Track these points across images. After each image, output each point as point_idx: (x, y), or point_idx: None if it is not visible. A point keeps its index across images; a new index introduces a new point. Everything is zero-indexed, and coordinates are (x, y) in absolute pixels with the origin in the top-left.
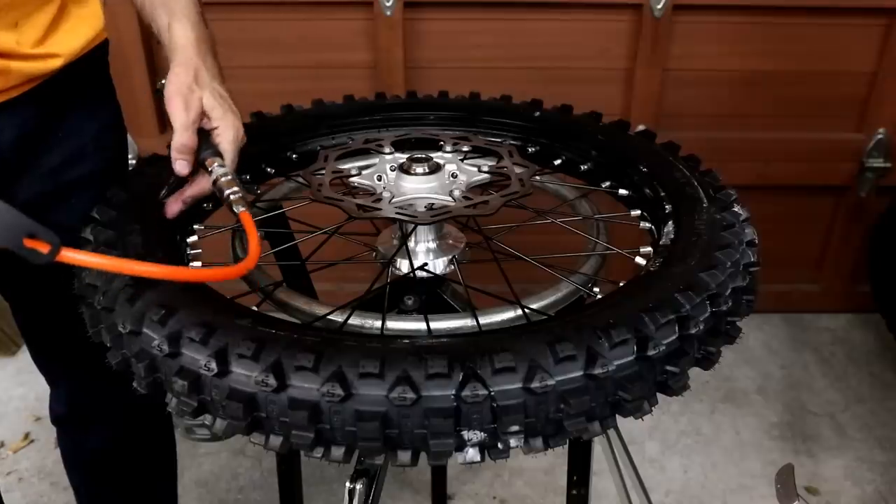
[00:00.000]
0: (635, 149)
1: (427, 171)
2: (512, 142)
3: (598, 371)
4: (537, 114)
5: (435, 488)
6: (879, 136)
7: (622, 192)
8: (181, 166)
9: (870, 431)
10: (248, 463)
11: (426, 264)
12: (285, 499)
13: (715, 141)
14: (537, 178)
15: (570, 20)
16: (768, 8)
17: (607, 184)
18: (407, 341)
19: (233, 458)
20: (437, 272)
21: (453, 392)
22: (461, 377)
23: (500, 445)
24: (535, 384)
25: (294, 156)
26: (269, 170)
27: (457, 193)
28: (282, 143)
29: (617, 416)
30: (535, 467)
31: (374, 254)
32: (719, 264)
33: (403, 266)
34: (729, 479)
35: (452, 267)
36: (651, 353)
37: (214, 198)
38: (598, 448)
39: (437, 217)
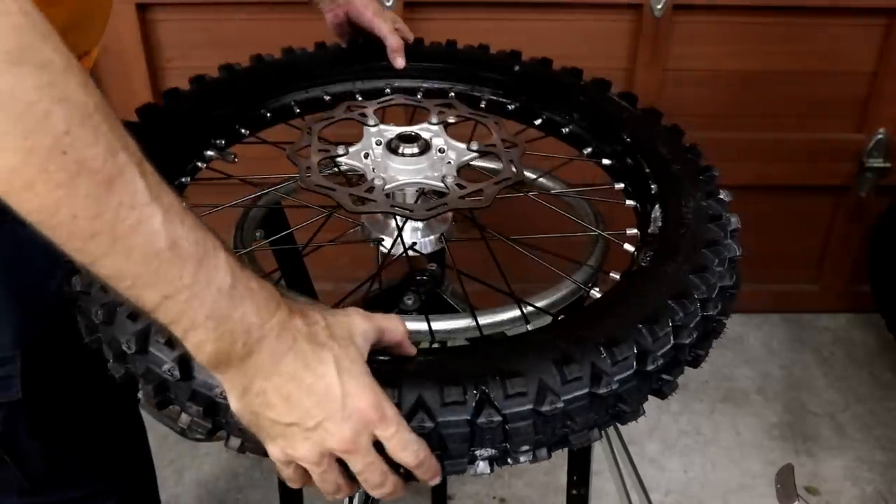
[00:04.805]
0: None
1: (416, 151)
2: (491, 96)
3: (602, 390)
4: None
5: (435, 488)
6: (879, 136)
7: (606, 161)
8: (402, 62)
9: (870, 431)
10: (248, 463)
11: (415, 244)
12: (285, 499)
13: (714, 141)
14: (530, 175)
15: (570, 20)
16: (768, 8)
17: (588, 150)
18: (421, 358)
19: (233, 458)
20: (426, 252)
21: (468, 417)
22: (475, 403)
23: (510, 461)
24: (545, 407)
25: (268, 114)
26: (242, 130)
27: (449, 181)
28: (253, 99)
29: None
30: (535, 467)
31: (361, 229)
32: (709, 263)
33: (389, 243)
34: (729, 479)
35: (441, 245)
36: (650, 367)
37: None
38: (598, 448)
39: (434, 212)
